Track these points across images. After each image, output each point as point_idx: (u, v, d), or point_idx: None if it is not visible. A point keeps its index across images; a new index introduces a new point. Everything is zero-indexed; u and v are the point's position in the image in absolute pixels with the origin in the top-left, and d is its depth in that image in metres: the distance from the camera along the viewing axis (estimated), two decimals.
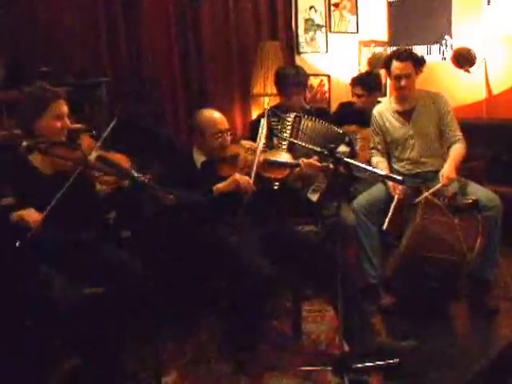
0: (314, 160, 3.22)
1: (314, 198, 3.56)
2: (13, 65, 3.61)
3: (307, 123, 3.58)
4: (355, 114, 4.24)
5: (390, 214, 3.36)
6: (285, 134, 3.49)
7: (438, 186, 3.38)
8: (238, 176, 3.04)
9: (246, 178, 3.04)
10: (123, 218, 3.30)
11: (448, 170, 3.43)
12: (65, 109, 2.71)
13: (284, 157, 3.33)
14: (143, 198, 2.77)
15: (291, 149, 3.47)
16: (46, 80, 3.10)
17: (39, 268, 2.54)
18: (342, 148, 3.57)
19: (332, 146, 2.75)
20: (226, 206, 3.03)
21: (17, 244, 2.43)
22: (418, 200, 3.36)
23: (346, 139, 3.64)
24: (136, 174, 2.48)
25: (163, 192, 2.62)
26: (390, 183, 3.47)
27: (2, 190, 2.61)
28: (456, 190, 3.42)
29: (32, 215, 2.48)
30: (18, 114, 2.76)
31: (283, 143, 3.52)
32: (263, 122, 3.32)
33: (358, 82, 4.33)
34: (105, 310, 2.58)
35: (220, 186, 3.03)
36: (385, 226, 3.33)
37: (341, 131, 3.66)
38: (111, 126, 2.77)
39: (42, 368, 2.61)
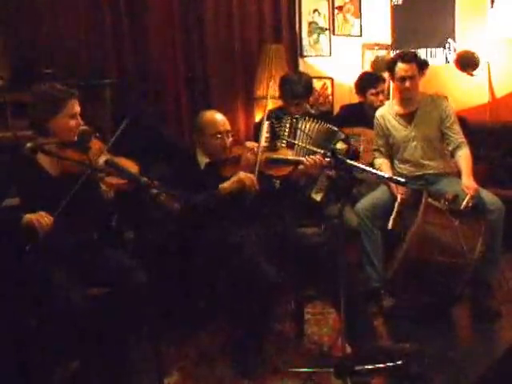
0: (317, 157, 3.22)
1: (318, 197, 3.57)
2: (18, 66, 3.63)
3: (306, 124, 3.62)
4: (358, 117, 4.24)
5: (394, 213, 3.38)
6: (284, 135, 3.53)
7: (468, 198, 3.30)
8: (242, 175, 3.05)
9: (251, 176, 3.05)
10: (126, 220, 3.31)
11: (468, 181, 3.40)
12: (78, 108, 2.72)
13: (286, 154, 3.35)
14: (148, 203, 2.78)
15: (290, 149, 3.50)
16: (51, 81, 3.11)
17: (44, 268, 2.55)
18: (339, 145, 3.59)
19: (333, 146, 2.76)
20: (230, 206, 3.04)
21: (27, 248, 2.45)
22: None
23: (342, 136, 3.64)
24: (143, 180, 2.49)
25: (169, 199, 2.63)
26: (393, 184, 3.47)
27: (7, 190, 2.63)
28: (457, 193, 3.42)
29: (43, 219, 2.48)
30: (30, 113, 2.73)
31: (283, 143, 3.56)
32: (262, 124, 3.35)
33: (381, 79, 4.33)
34: (108, 311, 2.59)
35: (225, 185, 3.04)
36: (389, 225, 3.34)
37: (336, 129, 3.67)
38: (122, 127, 2.78)
39: (45, 368, 2.62)
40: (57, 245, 2.59)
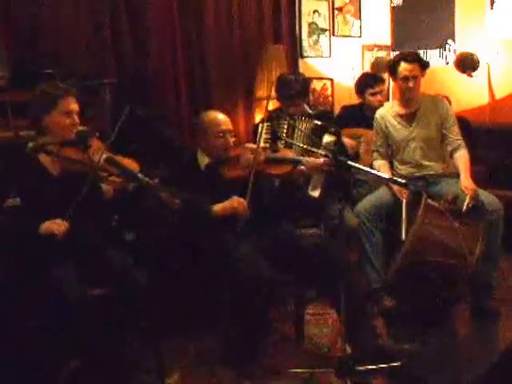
0: (318, 158, 3.22)
1: (316, 193, 3.56)
2: (18, 66, 3.63)
3: (303, 123, 3.62)
4: (359, 117, 4.25)
5: (404, 221, 3.33)
6: (283, 135, 3.54)
7: (467, 199, 3.31)
8: (235, 201, 3.01)
9: (243, 202, 3.01)
10: (127, 221, 3.31)
11: (467, 182, 3.42)
12: (74, 106, 2.72)
13: (286, 154, 3.34)
14: (149, 202, 2.78)
15: (290, 149, 3.51)
16: (51, 81, 3.12)
17: (44, 269, 2.55)
18: (327, 138, 3.56)
19: (333, 148, 2.76)
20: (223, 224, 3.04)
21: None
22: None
23: (333, 129, 3.62)
24: (144, 178, 2.49)
25: (170, 196, 2.63)
26: (396, 187, 3.47)
27: (9, 190, 2.63)
28: (457, 194, 3.42)
29: (59, 226, 2.51)
30: (29, 112, 2.75)
31: (281, 143, 3.56)
32: (261, 125, 3.35)
33: (379, 80, 4.33)
34: (108, 311, 2.59)
35: (217, 209, 2.99)
36: (403, 236, 3.28)
37: (323, 123, 3.63)
38: (121, 119, 2.78)
39: (45, 368, 2.62)
40: (57, 245, 2.59)
